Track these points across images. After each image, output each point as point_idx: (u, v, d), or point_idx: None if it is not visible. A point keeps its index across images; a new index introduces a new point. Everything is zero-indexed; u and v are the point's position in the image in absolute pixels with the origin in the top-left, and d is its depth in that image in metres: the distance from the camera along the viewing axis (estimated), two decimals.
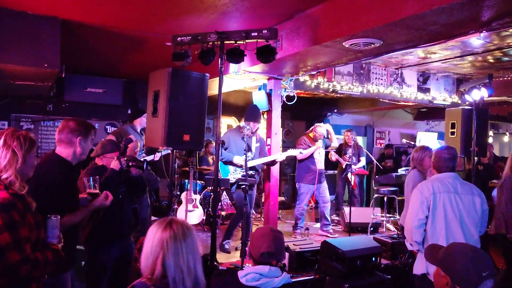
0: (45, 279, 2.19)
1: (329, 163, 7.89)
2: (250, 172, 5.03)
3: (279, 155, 5.48)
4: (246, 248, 3.54)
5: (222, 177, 4.88)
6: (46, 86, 5.75)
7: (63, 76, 5.14)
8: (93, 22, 4.63)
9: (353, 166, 6.92)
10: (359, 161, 7.62)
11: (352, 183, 7.17)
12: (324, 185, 6.57)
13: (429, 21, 3.16)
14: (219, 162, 5.17)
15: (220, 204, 6.60)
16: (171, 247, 1.65)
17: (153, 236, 1.69)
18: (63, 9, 4.25)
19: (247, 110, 5.21)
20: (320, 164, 6.49)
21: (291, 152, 5.55)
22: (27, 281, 1.93)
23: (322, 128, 6.53)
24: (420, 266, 3.06)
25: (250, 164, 5.02)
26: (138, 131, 5.94)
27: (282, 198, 8.95)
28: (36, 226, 1.98)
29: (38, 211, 2.05)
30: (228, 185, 4.94)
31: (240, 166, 5.01)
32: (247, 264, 2.20)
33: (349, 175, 6.98)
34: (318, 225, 7.13)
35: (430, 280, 2.94)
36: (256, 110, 5.24)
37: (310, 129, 6.70)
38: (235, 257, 5.20)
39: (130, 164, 3.21)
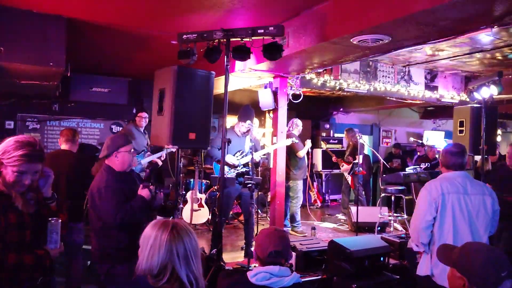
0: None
1: (332, 163, 8.10)
2: (244, 169, 5.02)
3: (270, 148, 5.71)
4: (252, 249, 3.49)
5: (228, 176, 4.85)
6: (51, 86, 5.74)
7: (69, 75, 5.14)
8: (98, 20, 4.61)
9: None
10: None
11: (350, 182, 7.22)
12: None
13: (440, 16, 3.09)
14: (213, 162, 5.19)
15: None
16: (182, 258, 1.60)
17: (159, 242, 1.62)
18: (68, 7, 4.23)
19: (241, 111, 5.19)
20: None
21: (284, 142, 5.66)
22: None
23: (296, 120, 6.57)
24: (425, 267, 2.98)
25: (243, 161, 5.01)
26: (142, 130, 5.95)
27: None
28: (18, 226, 1.92)
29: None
30: (234, 184, 4.91)
31: (233, 165, 4.99)
32: (254, 265, 2.16)
33: (345, 174, 7.13)
34: (325, 224, 7.10)
35: (433, 281, 2.88)
36: (250, 109, 5.22)
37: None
38: (241, 257, 5.16)
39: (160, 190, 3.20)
